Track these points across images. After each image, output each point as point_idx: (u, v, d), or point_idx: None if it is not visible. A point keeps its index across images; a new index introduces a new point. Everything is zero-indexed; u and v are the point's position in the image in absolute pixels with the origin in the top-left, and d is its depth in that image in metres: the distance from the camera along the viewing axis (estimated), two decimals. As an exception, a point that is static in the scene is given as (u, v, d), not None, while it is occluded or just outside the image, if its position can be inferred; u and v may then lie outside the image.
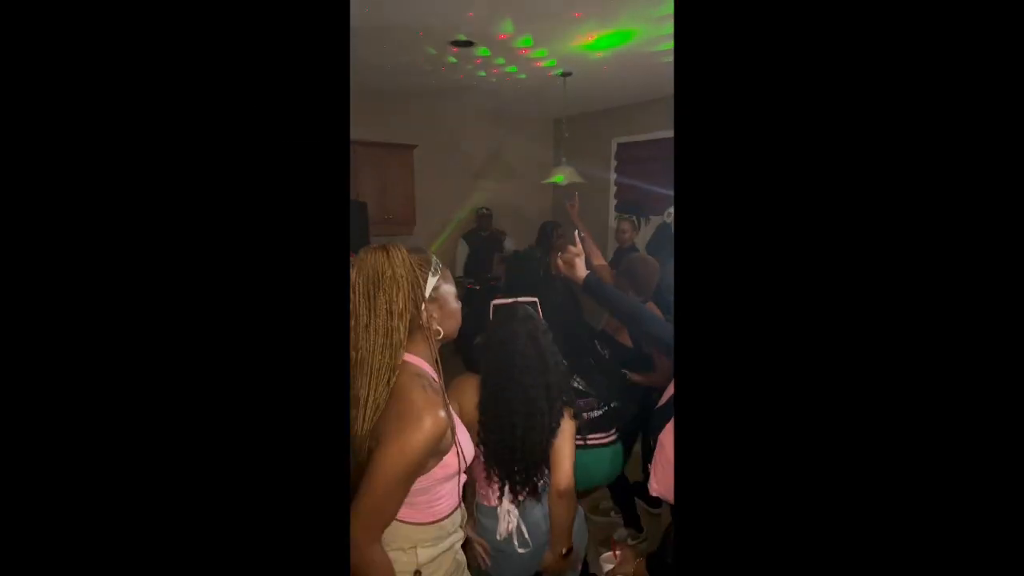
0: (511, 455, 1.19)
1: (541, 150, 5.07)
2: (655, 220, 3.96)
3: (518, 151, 4.96)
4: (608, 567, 1.13)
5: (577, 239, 1.51)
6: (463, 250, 4.19)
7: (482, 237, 4.20)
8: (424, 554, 0.95)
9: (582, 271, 1.44)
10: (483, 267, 3.94)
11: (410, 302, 0.89)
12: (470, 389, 1.24)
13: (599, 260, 2.18)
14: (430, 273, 0.94)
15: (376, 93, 3.95)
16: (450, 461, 0.93)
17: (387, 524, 0.86)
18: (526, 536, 1.24)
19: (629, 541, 2.11)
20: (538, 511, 1.27)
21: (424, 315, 0.91)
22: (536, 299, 1.30)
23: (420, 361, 0.94)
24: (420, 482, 0.89)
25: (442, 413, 0.86)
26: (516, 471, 1.21)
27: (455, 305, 0.99)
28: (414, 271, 0.90)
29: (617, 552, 1.13)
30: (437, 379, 0.95)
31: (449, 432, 0.89)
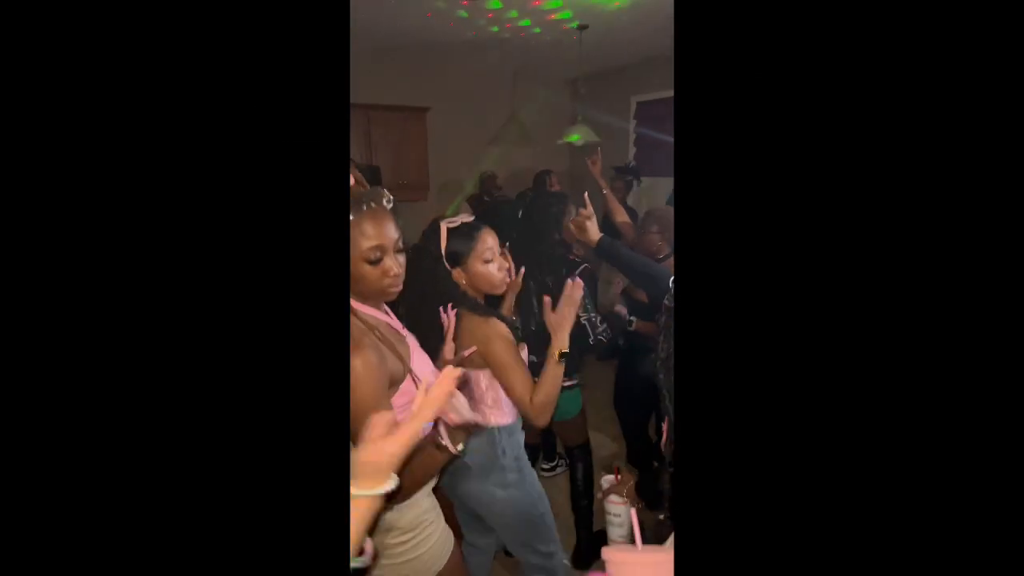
0: None
1: (557, 110, 4.92)
2: (649, 182, 3.88)
3: (533, 111, 4.82)
4: (607, 486, 1.20)
5: (588, 201, 1.45)
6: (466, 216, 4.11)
7: (485, 202, 4.12)
8: (391, 516, 0.88)
9: (595, 234, 1.40)
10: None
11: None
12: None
13: (623, 217, 2.11)
14: (374, 203, 0.87)
15: (386, 53, 3.84)
16: (406, 388, 0.89)
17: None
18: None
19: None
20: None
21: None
22: (473, 218, 1.21)
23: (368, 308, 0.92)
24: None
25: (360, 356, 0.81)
26: None
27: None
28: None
29: (619, 476, 1.19)
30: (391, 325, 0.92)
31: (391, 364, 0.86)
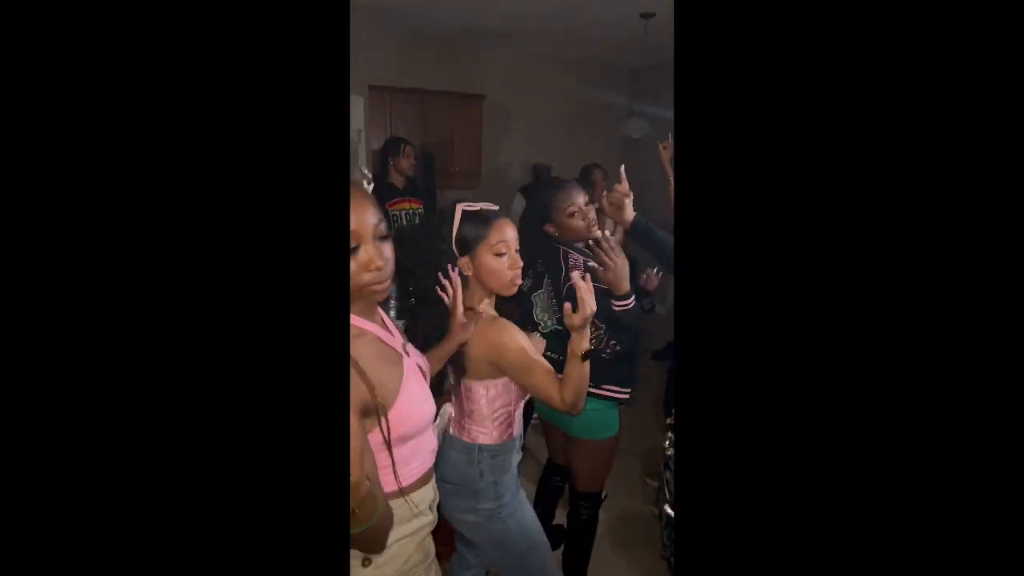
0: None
1: (616, 101, 4.79)
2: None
3: (591, 102, 4.72)
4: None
5: (624, 177, 1.35)
6: (519, 204, 4.08)
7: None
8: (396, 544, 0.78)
9: (629, 213, 1.33)
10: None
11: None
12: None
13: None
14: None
15: (440, 39, 3.85)
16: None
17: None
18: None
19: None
20: (450, 452, 1.10)
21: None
22: (497, 208, 1.07)
23: (360, 320, 0.77)
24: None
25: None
26: None
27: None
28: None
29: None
30: (384, 336, 0.80)
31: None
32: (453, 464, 1.09)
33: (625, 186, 1.34)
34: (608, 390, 1.41)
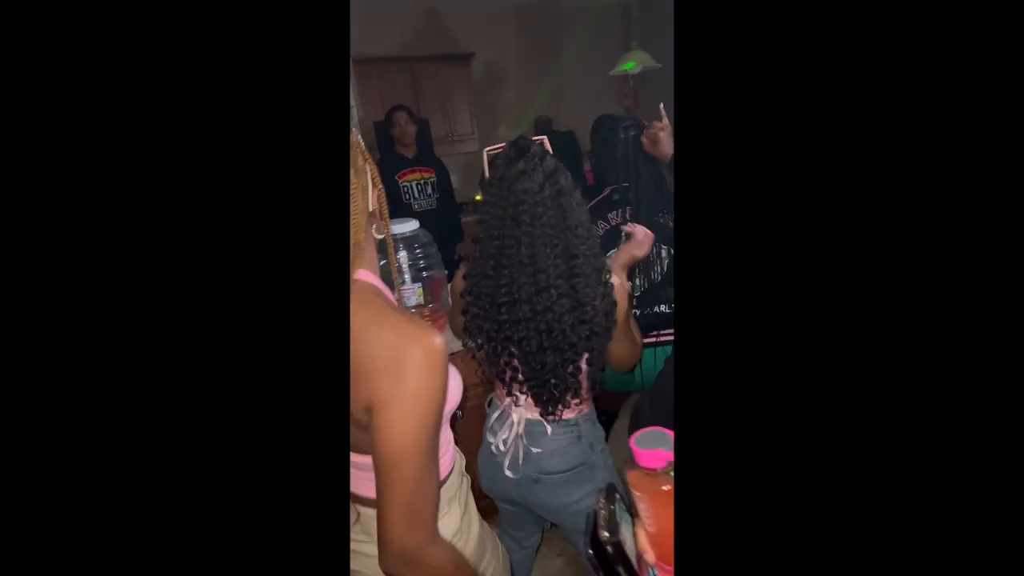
0: (525, 344, 0.91)
1: (606, 42, 4.60)
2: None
3: (583, 45, 4.54)
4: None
5: (663, 112, 1.34)
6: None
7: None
8: (444, 520, 0.73)
9: (669, 147, 1.31)
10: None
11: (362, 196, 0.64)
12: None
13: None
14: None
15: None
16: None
17: (435, 506, 0.62)
18: (519, 462, 0.99)
19: None
20: (549, 443, 0.98)
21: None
22: (545, 139, 0.98)
23: (370, 276, 0.68)
24: None
25: (438, 338, 0.60)
26: (531, 365, 0.93)
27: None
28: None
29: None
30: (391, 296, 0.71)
31: None
32: (557, 451, 0.99)
33: (664, 121, 1.33)
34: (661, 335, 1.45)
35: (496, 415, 1.04)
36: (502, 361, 0.96)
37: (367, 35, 3.46)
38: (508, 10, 4.17)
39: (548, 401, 0.95)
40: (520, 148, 0.91)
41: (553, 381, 0.93)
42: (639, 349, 1.07)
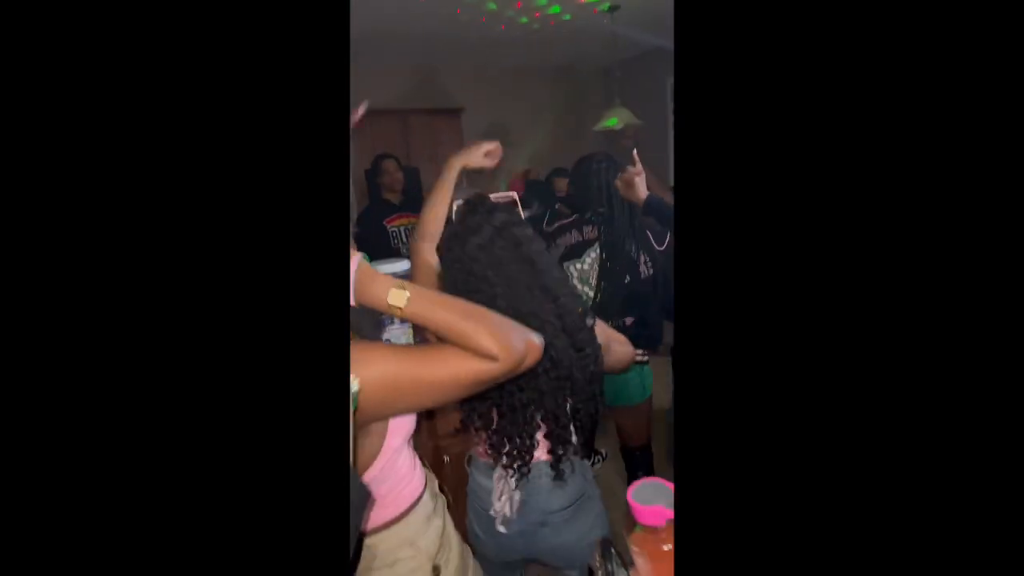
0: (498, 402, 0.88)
1: (591, 99, 4.83)
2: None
3: (567, 103, 4.76)
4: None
5: (636, 158, 1.42)
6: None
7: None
8: (425, 540, 0.77)
9: (643, 191, 1.38)
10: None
11: None
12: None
13: (667, 194, 2.04)
14: None
15: (419, 55, 3.88)
16: (398, 422, 0.75)
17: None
18: (513, 514, 0.93)
19: None
20: (544, 483, 0.94)
21: None
22: (515, 194, 1.01)
23: None
24: (374, 472, 0.71)
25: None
26: (505, 428, 0.89)
27: None
28: None
29: None
30: None
31: None
32: (556, 488, 0.95)
33: (639, 167, 1.41)
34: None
35: (495, 477, 0.95)
36: (520, 422, 0.89)
37: (363, 87, 3.59)
38: (502, 71, 4.40)
39: (560, 443, 0.92)
40: (471, 204, 0.92)
41: (577, 424, 0.92)
42: (624, 344, 1.06)
